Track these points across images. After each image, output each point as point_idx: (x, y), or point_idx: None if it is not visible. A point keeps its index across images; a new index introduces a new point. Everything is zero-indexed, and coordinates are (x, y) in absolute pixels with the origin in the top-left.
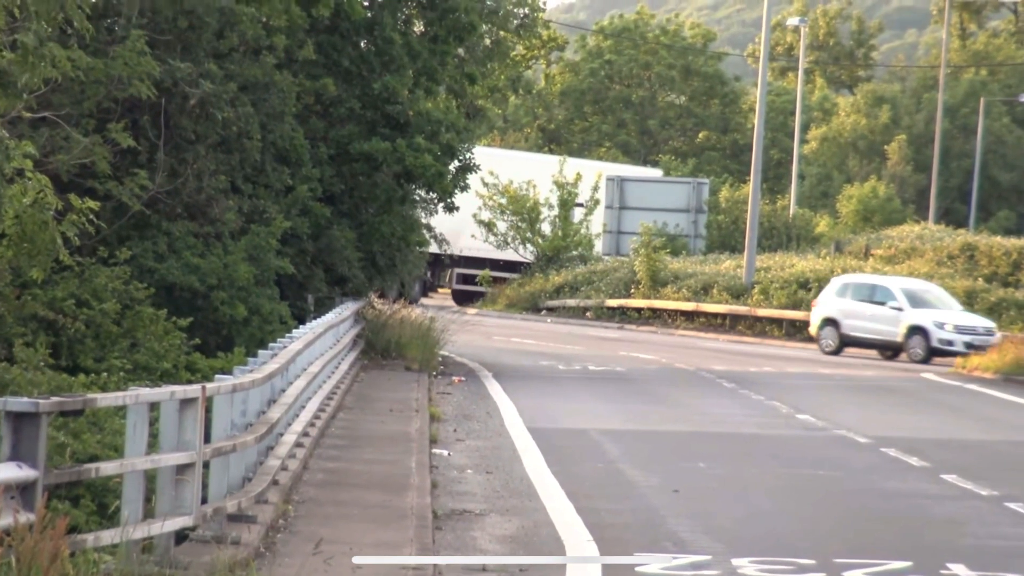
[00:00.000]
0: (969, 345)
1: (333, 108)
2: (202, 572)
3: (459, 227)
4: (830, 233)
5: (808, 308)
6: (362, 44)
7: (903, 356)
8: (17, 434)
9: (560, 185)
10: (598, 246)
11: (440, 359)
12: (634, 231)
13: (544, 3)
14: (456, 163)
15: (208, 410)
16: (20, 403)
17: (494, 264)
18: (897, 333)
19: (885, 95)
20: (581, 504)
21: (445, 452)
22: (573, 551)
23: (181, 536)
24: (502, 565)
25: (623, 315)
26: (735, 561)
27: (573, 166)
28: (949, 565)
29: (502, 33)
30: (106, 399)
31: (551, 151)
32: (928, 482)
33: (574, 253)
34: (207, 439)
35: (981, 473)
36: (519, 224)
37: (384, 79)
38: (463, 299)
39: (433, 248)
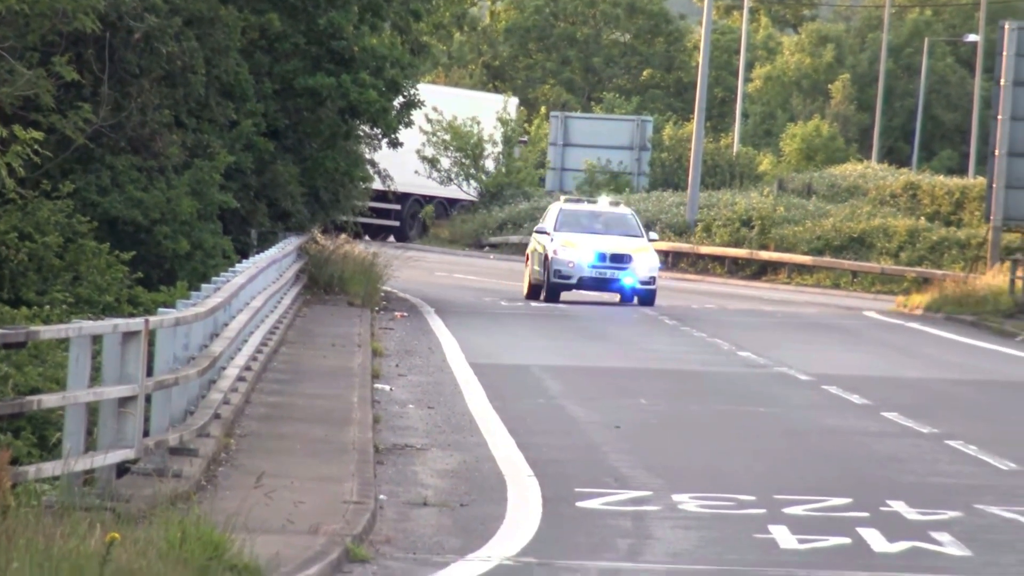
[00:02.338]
0: None
1: (278, 43)
2: (143, 505)
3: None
4: (773, 171)
5: (750, 246)
6: None
7: None
8: None
9: (504, 122)
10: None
11: (383, 294)
12: (578, 168)
13: None
14: (400, 99)
15: (151, 343)
16: None
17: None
18: None
19: (829, 34)
20: (522, 440)
21: (387, 387)
22: (514, 486)
23: (123, 469)
24: (443, 499)
25: None
26: (675, 497)
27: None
28: (889, 502)
29: None
30: (49, 331)
31: (495, 88)
32: (869, 420)
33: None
34: (150, 372)
35: (922, 411)
36: (463, 161)
37: (329, 14)
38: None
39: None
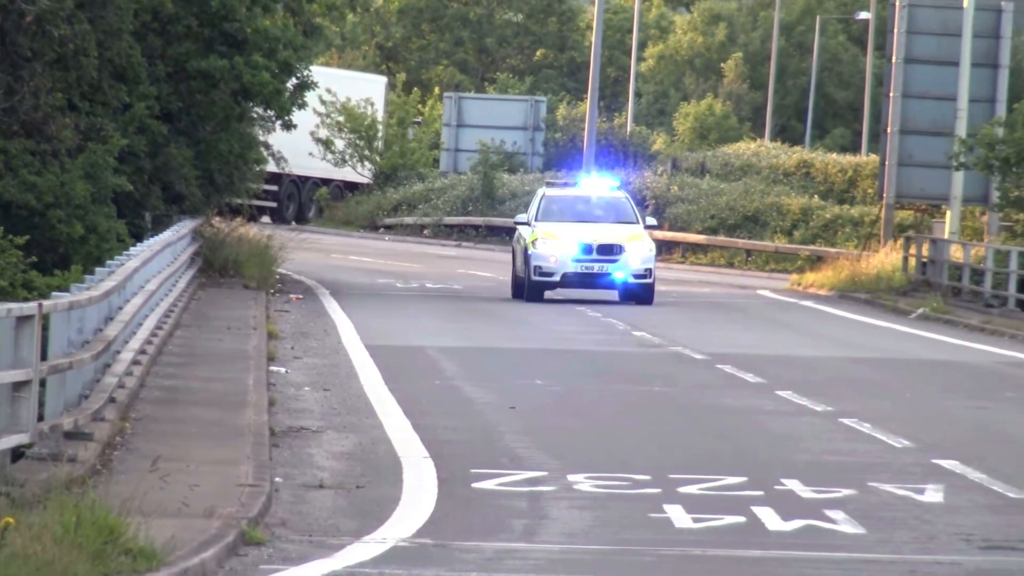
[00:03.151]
0: None
1: (171, 25)
2: (38, 489)
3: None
4: (667, 150)
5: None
6: None
7: None
8: None
9: (398, 104)
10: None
11: (278, 277)
12: (472, 149)
13: None
14: (294, 81)
15: (45, 328)
16: None
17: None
18: None
19: (722, 13)
20: (418, 421)
21: (283, 370)
22: (410, 468)
23: (17, 454)
24: (339, 482)
25: (461, 233)
26: (571, 477)
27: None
28: (783, 480)
29: None
30: None
31: (388, 69)
32: (763, 398)
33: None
34: (44, 356)
35: (815, 389)
36: (357, 142)
37: None
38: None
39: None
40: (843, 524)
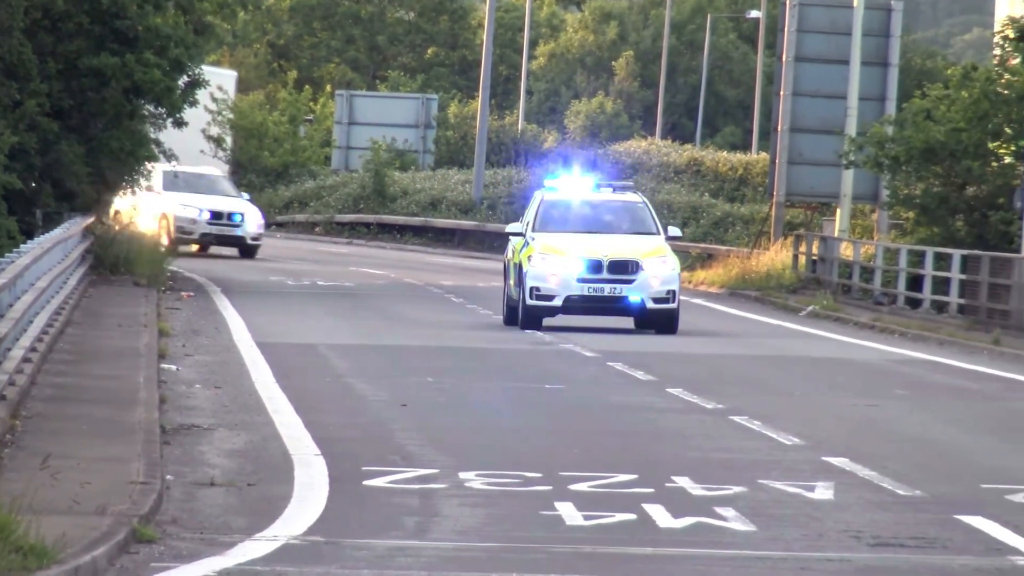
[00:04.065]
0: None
1: (62, 23)
2: None
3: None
4: (558, 148)
5: None
6: None
7: None
8: None
9: (288, 102)
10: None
11: (169, 274)
12: (363, 146)
13: None
14: (185, 79)
15: None
16: None
17: None
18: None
19: (613, 11)
20: (309, 418)
21: (174, 367)
22: (301, 466)
23: None
24: (230, 479)
25: (352, 230)
26: (462, 474)
27: None
28: (674, 478)
29: None
30: None
31: (280, 67)
32: (654, 396)
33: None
34: None
35: (706, 387)
36: (247, 139)
37: None
38: None
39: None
40: (733, 521)
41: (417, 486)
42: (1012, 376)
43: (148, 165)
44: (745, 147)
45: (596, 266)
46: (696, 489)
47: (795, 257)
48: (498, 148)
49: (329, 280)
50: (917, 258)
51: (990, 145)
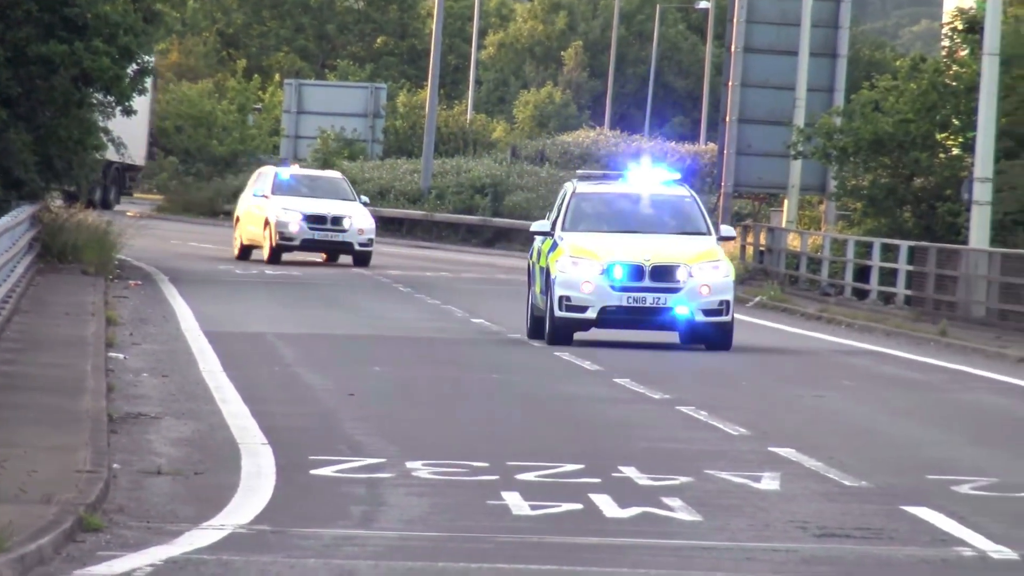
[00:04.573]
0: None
1: (10, 10)
2: None
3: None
4: (507, 139)
5: (484, 213)
6: None
7: None
8: None
9: (237, 90)
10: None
11: (117, 263)
12: (312, 135)
13: None
14: (134, 67)
15: None
16: None
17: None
18: None
19: (562, 1)
20: (256, 408)
21: (121, 356)
22: (248, 455)
23: None
24: (177, 468)
25: None
26: (409, 464)
27: None
28: (621, 468)
29: None
30: None
31: (229, 56)
32: (602, 386)
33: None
34: None
35: (653, 377)
36: (196, 128)
37: None
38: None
39: (112, 155)
40: (680, 511)
41: (364, 475)
42: (958, 367)
43: (260, 168)
44: (694, 138)
45: (637, 272)
46: (642, 479)
47: (743, 248)
48: (447, 138)
49: (277, 269)
50: (864, 249)
51: (938, 136)
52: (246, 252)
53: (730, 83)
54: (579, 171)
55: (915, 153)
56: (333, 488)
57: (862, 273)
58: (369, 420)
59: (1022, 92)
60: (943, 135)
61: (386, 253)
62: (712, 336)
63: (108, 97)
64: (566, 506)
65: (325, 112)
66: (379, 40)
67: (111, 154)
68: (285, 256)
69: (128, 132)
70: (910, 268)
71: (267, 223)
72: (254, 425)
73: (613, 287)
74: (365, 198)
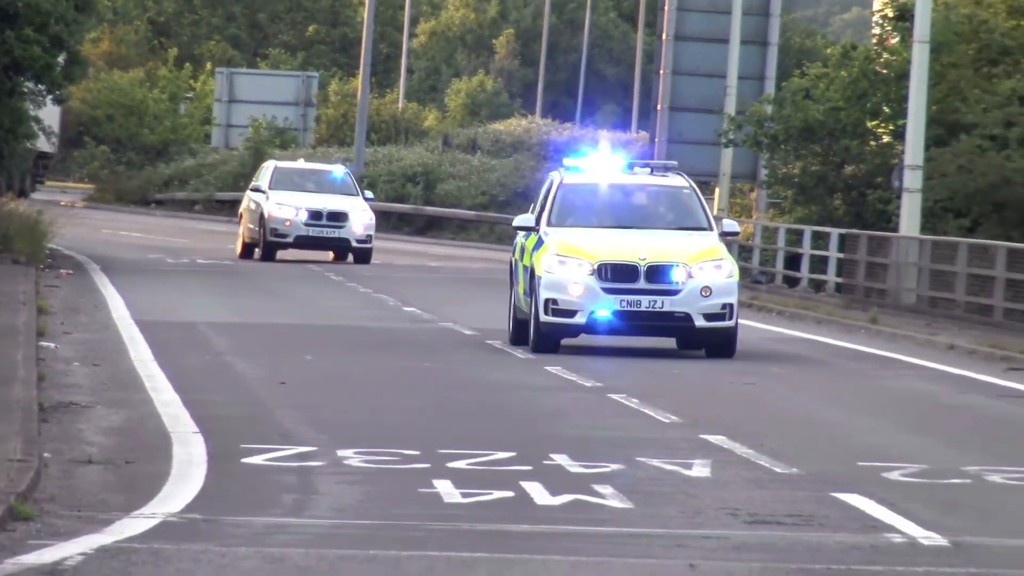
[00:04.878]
0: None
1: None
2: None
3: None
4: (438, 127)
5: (416, 201)
6: None
7: None
8: None
9: (169, 79)
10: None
11: (48, 252)
12: (243, 124)
13: None
14: (65, 55)
15: None
16: None
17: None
18: None
19: None
20: (188, 396)
21: (52, 345)
22: (179, 443)
23: None
24: (108, 457)
25: (232, 208)
26: (340, 452)
27: None
28: (552, 455)
29: None
30: None
31: (161, 45)
32: (533, 374)
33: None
34: None
35: (584, 365)
36: (127, 117)
37: None
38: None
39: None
40: (611, 499)
41: (295, 464)
42: (889, 355)
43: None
44: (625, 126)
45: (630, 272)
46: (574, 467)
47: None
48: (378, 126)
49: (208, 258)
50: (795, 237)
51: (868, 124)
52: (248, 251)
53: (661, 71)
54: (566, 159)
55: (846, 141)
56: (264, 476)
57: (793, 261)
58: (300, 409)
59: (952, 79)
60: (874, 123)
61: None
62: (713, 343)
63: (39, 86)
64: (497, 494)
65: (257, 101)
66: (311, 28)
67: (42, 143)
68: (280, 253)
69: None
70: (841, 256)
71: (262, 219)
72: (185, 414)
73: (604, 289)
74: (369, 193)
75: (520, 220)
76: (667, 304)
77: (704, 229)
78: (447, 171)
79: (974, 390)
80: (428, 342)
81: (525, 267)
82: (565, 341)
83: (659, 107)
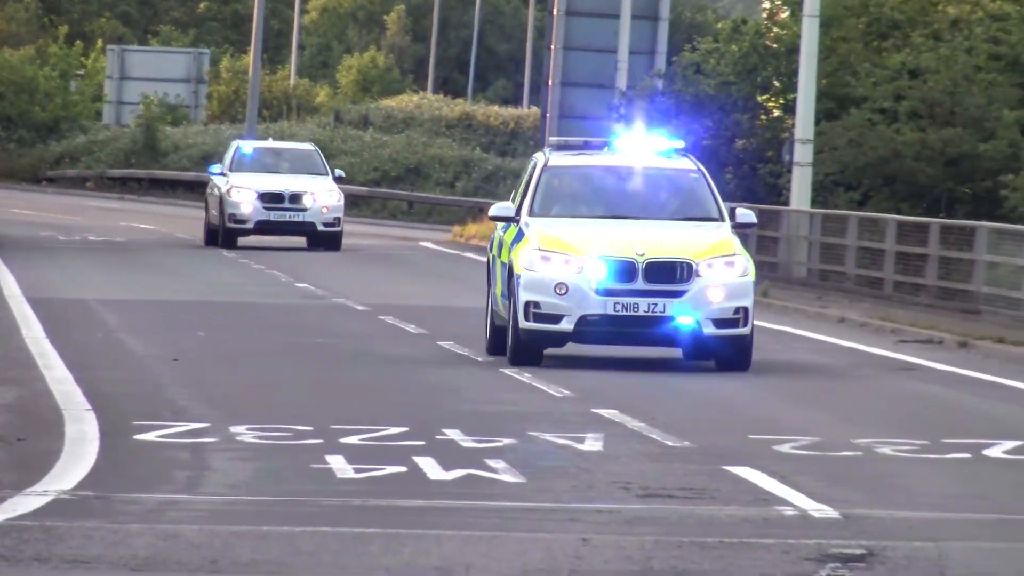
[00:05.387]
0: None
1: None
2: None
3: None
4: (330, 103)
5: None
6: None
7: None
8: None
9: (60, 56)
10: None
11: None
12: (135, 101)
13: None
14: None
15: None
16: None
17: None
18: None
19: None
20: (80, 374)
21: None
22: (72, 421)
23: None
24: None
25: (124, 185)
26: (233, 428)
27: None
28: (445, 430)
29: None
30: None
31: (51, 22)
32: (425, 349)
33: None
34: None
35: (477, 340)
36: (17, 94)
37: None
38: None
39: None
40: (504, 473)
41: (188, 440)
42: (780, 327)
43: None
44: (516, 101)
45: (626, 270)
46: (467, 441)
47: None
48: (270, 103)
49: (100, 235)
50: None
51: (759, 98)
52: (213, 238)
53: (552, 46)
54: (553, 138)
55: (736, 115)
56: (157, 453)
57: None
58: (193, 385)
59: (842, 53)
60: (764, 97)
61: None
62: (725, 353)
63: None
64: (390, 469)
65: (148, 78)
66: (201, 5)
67: None
68: (242, 241)
69: None
70: None
71: (221, 204)
72: (78, 391)
73: (596, 290)
74: (340, 171)
75: (497, 209)
76: (669, 308)
77: (714, 220)
78: (339, 147)
79: (865, 363)
80: (321, 318)
81: (503, 264)
82: (549, 351)
83: (550, 82)
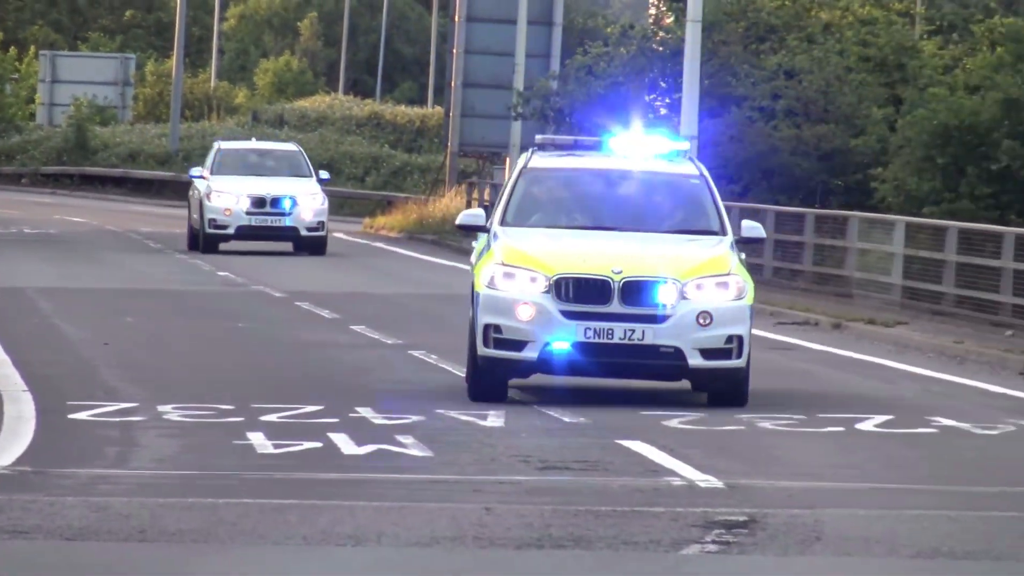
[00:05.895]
0: None
1: None
2: None
3: None
4: (248, 104)
5: None
6: None
7: None
8: None
9: None
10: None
11: None
12: (66, 103)
13: None
14: None
15: None
16: None
17: None
18: None
19: None
20: (17, 357)
21: None
22: (10, 400)
23: None
24: None
25: (57, 181)
26: (160, 408)
27: None
28: (357, 408)
29: None
30: None
31: None
32: (339, 333)
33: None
34: None
35: (387, 324)
36: None
37: None
38: None
39: None
40: (412, 448)
41: (118, 419)
42: None
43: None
44: (422, 101)
45: (598, 289)
46: (378, 419)
47: (468, 203)
48: (192, 104)
49: (35, 228)
50: None
51: (647, 98)
52: (195, 243)
53: (455, 50)
54: (539, 136)
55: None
56: (90, 431)
57: None
58: (123, 367)
59: (723, 56)
60: (650, 96)
61: (138, 212)
62: (715, 388)
63: None
64: (307, 444)
65: (78, 81)
66: (128, 14)
67: None
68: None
69: None
70: None
71: (202, 208)
72: (15, 373)
73: (564, 312)
74: (324, 173)
75: (464, 217)
76: (649, 335)
77: (712, 232)
78: None
79: None
80: (241, 304)
81: (488, 276)
82: (514, 381)
83: (453, 84)
